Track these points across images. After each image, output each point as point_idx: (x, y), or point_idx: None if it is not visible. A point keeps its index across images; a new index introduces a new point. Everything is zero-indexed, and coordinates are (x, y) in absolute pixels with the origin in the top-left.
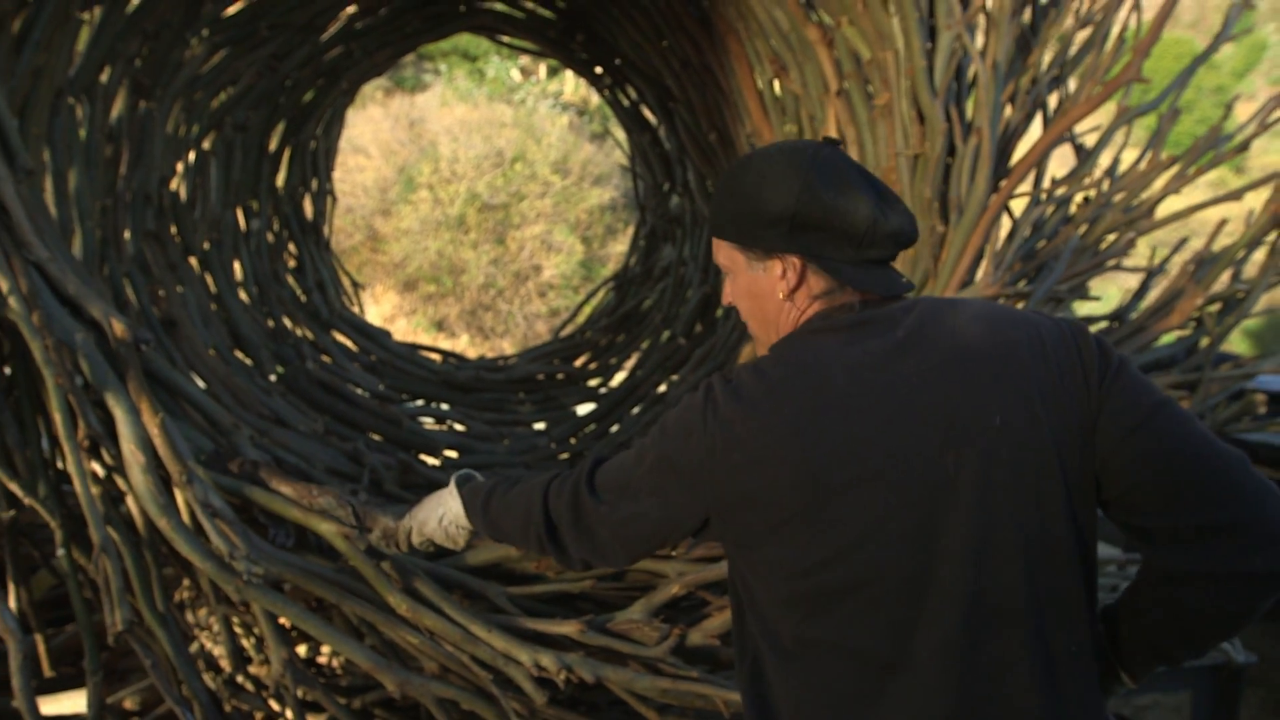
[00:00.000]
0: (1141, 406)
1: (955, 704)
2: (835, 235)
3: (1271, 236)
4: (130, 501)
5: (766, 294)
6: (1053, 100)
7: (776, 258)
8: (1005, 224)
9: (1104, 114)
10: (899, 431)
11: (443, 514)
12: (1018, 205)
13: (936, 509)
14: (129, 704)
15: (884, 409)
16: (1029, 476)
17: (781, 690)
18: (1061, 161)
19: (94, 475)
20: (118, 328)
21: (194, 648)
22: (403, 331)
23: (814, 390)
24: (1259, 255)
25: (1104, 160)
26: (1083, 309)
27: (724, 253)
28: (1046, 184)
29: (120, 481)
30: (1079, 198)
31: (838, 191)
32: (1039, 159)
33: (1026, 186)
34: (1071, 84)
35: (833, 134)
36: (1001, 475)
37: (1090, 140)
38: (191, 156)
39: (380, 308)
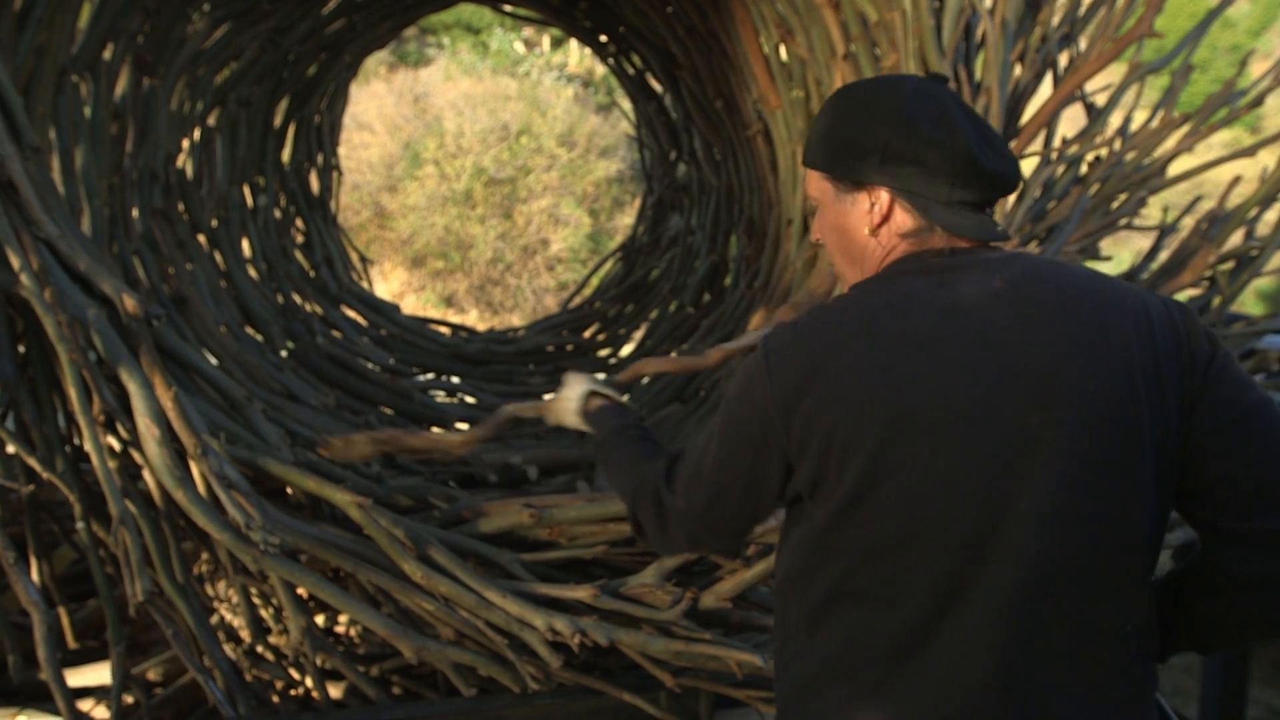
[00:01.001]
0: (1242, 401)
1: (1000, 669)
2: (928, 171)
3: None
4: (147, 475)
5: (852, 229)
6: (1063, 58)
7: (865, 190)
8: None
9: (1115, 73)
10: (986, 382)
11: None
12: (1028, 165)
13: (1013, 468)
14: (152, 675)
15: (973, 357)
16: (1115, 451)
17: (818, 642)
18: (1072, 121)
19: (110, 449)
20: (129, 303)
21: (214, 620)
22: (411, 307)
23: (898, 329)
24: (1272, 214)
25: (1115, 119)
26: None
27: (815, 183)
28: (1057, 144)
29: (136, 455)
30: (1090, 157)
31: (935, 125)
32: (1049, 118)
33: (1037, 146)
34: (1082, 42)
35: None
36: (1087, 445)
37: (1101, 99)
38: (197, 133)
39: (389, 284)
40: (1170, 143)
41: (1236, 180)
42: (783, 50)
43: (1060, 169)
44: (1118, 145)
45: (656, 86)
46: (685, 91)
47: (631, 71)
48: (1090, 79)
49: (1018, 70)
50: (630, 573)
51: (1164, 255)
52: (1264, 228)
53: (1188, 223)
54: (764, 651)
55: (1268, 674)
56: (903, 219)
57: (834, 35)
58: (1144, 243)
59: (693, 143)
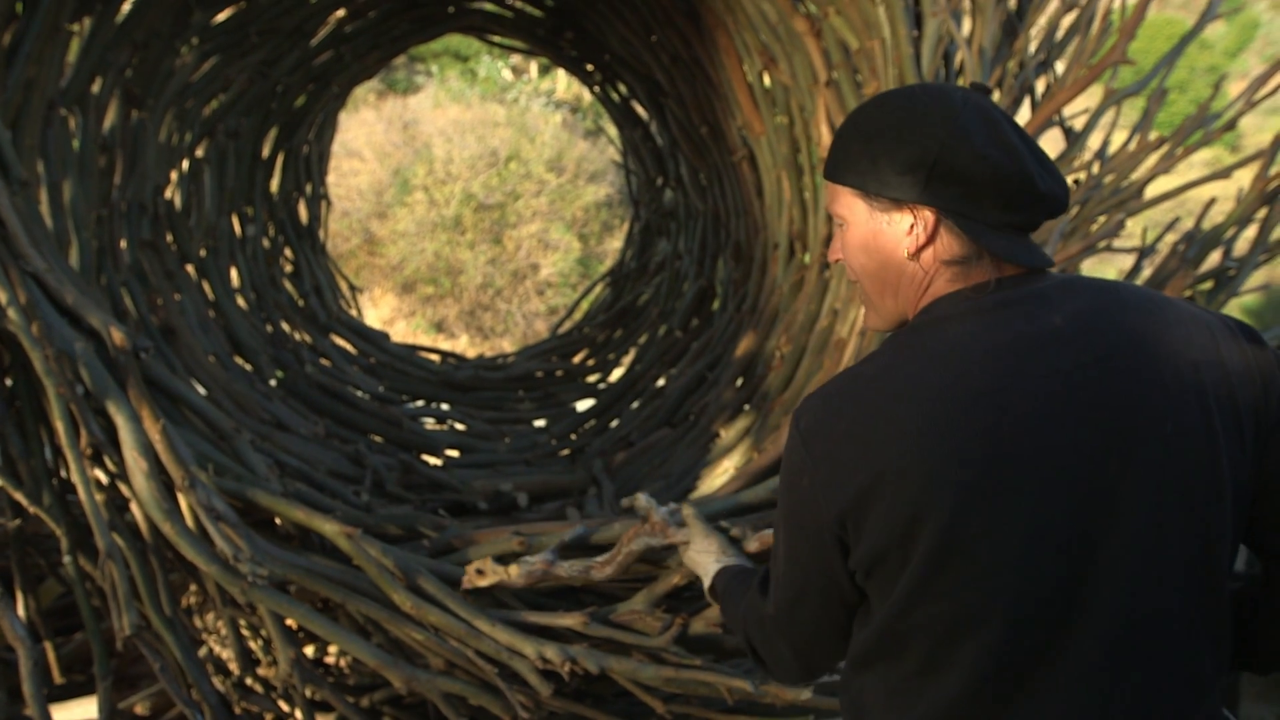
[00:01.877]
0: None
1: None
2: (980, 191)
3: (1262, 213)
4: (134, 507)
5: (887, 250)
6: (1040, 84)
7: (907, 209)
8: None
9: (1093, 97)
10: (1055, 433)
11: (703, 553)
12: None
13: (1093, 522)
14: (140, 709)
15: (1038, 406)
16: (1199, 490)
17: (900, 709)
18: (1050, 145)
19: (97, 482)
20: (117, 336)
21: (202, 652)
22: (402, 333)
23: (951, 383)
24: (1249, 232)
25: (1093, 142)
26: None
27: (842, 200)
28: None
29: (124, 488)
30: (1068, 180)
31: (989, 141)
32: (1034, 134)
33: None
34: (1059, 67)
35: (823, 126)
36: (1170, 488)
37: (1079, 123)
38: (185, 165)
39: (379, 311)
40: (1148, 165)
41: (1212, 202)
42: (766, 77)
43: None
44: (1096, 168)
45: (642, 113)
46: (671, 118)
47: (617, 99)
48: (1067, 104)
49: (996, 96)
50: (620, 599)
51: (1144, 275)
52: (1243, 245)
53: (1168, 241)
54: (754, 677)
55: (1259, 689)
56: (948, 243)
57: (816, 63)
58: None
59: (679, 168)
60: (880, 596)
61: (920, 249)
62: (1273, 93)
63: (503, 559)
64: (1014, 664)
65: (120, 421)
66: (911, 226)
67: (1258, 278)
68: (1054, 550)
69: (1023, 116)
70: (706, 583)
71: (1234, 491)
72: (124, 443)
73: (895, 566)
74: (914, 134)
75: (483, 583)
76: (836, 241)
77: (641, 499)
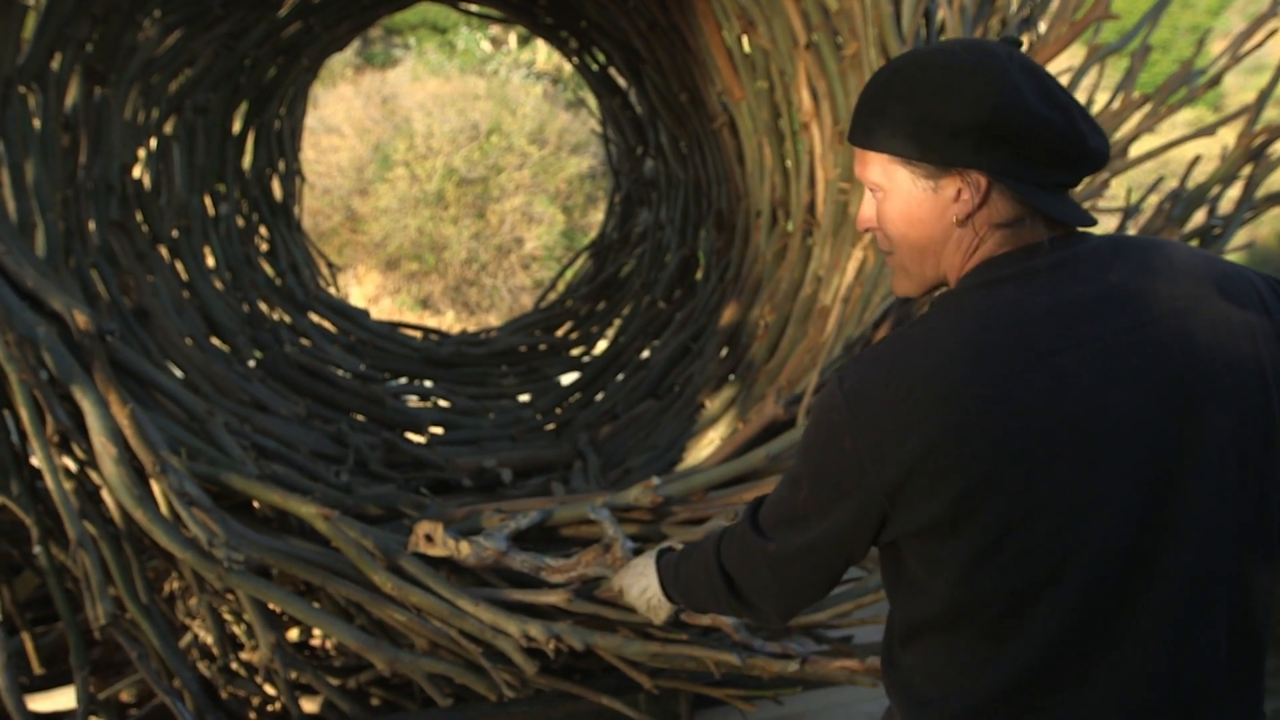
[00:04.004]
0: None
1: (1169, 693)
2: (1034, 151)
3: (1246, 170)
4: (106, 494)
5: (932, 218)
6: (1023, 43)
7: (955, 174)
8: None
9: (1076, 55)
10: (1116, 394)
11: (645, 587)
12: None
13: (1158, 483)
14: (125, 696)
15: (1098, 367)
16: (1255, 446)
17: (967, 688)
18: None
19: (66, 470)
20: (80, 319)
21: (187, 638)
22: (387, 311)
23: (1011, 344)
24: (1234, 191)
25: None
26: None
27: (878, 167)
28: None
29: (94, 475)
30: None
31: (1041, 97)
32: None
33: None
34: (1041, 25)
35: (804, 90)
36: (1230, 445)
37: (1062, 82)
38: (153, 142)
39: (364, 288)
40: (1131, 124)
41: (1196, 160)
42: (745, 42)
43: None
44: None
45: (621, 81)
46: (649, 86)
47: (595, 67)
48: (1050, 62)
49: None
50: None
51: (1130, 234)
52: (1227, 205)
53: (1152, 200)
54: (741, 650)
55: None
56: (1000, 206)
57: (795, 25)
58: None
59: (659, 137)
60: (927, 564)
61: (970, 214)
62: (1256, 48)
63: (468, 532)
64: (1083, 631)
65: (87, 407)
66: (959, 191)
67: (1242, 235)
68: (1120, 513)
69: None
70: (655, 588)
71: None
72: (91, 428)
73: (947, 534)
74: (963, 94)
75: (429, 551)
76: (867, 210)
77: (609, 529)
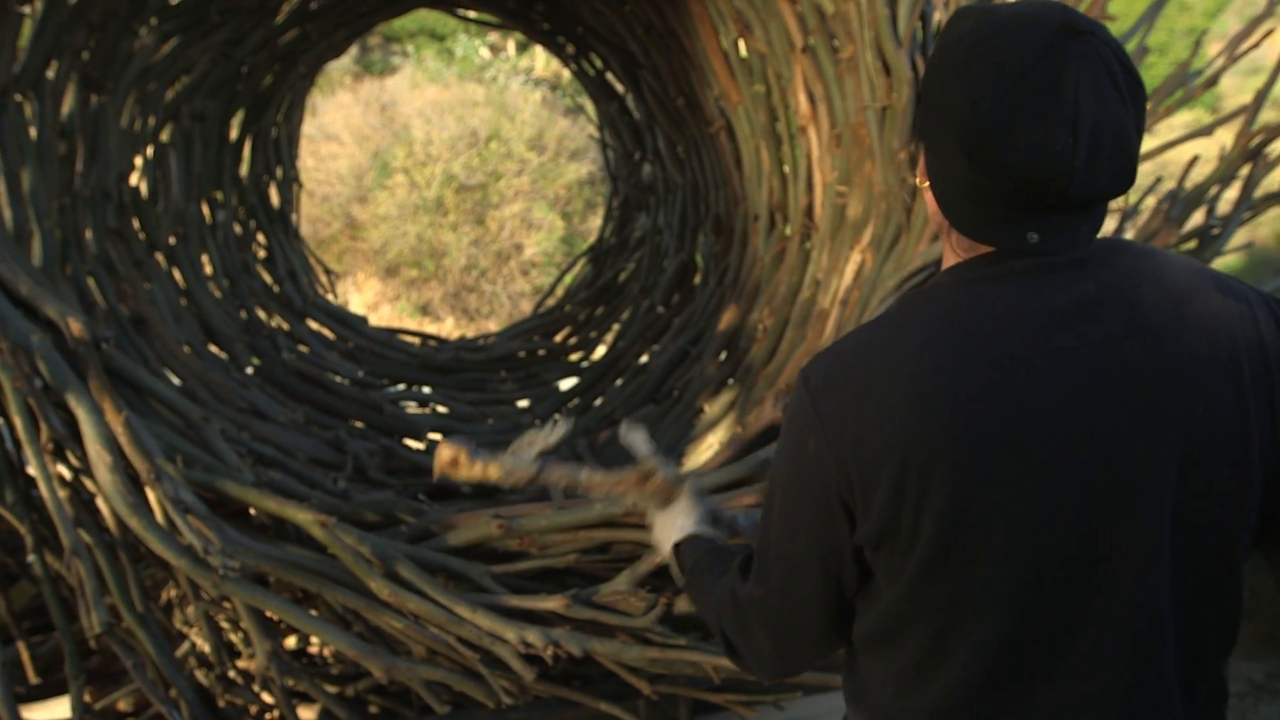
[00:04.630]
0: None
1: (1109, 715)
2: (947, 142)
3: (1245, 170)
4: (100, 502)
5: (924, 191)
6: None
7: (921, 151)
8: None
9: None
10: (1079, 409)
11: (666, 538)
12: None
13: (1112, 506)
14: (123, 705)
15: (1063, 378)
16: (1225, 473)
17: (911, 702)
18: None
19: (60, 478)
20: (75, 327)
21: (185, 646)
22: (387, 318)
23: (972, 347)
24: (1232, 192)
25: None
26: None
27: None
28: None
29: (88, 483)
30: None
31: (953, 76)
32: None
33: None
34: None
35: (800, 94)
36: (1199, 474)
37: None
38: (150, 150)
39: (363, 295)
40: None
41: (1194, 160)
42: (742, 45)
43: None
44: None
45: (618, 86)
46: (647, 90)
47: (592, 72)
48: None
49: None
50: (603, 580)
51: (1127, 236)
52: (1225, 205)
53: (1150, 201)
54: None
55: (1247, 647)
56: (930, 199)
57: (792, 29)
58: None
59: (656, 142)
60: (887, 575)
61: (924, 181)
62: (1252, 49)
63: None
64: (1023, 652)
65: (81, 414)
66: (922, 160)
67: (1241, 235)
68: (1069, 534)
69: None
70: (671, 541)
71: (1264, 477)
72: (86, 436)
73: (905, 542)
74: (945, 61)
75: (456, 475)
76: None
77: (650, 458)
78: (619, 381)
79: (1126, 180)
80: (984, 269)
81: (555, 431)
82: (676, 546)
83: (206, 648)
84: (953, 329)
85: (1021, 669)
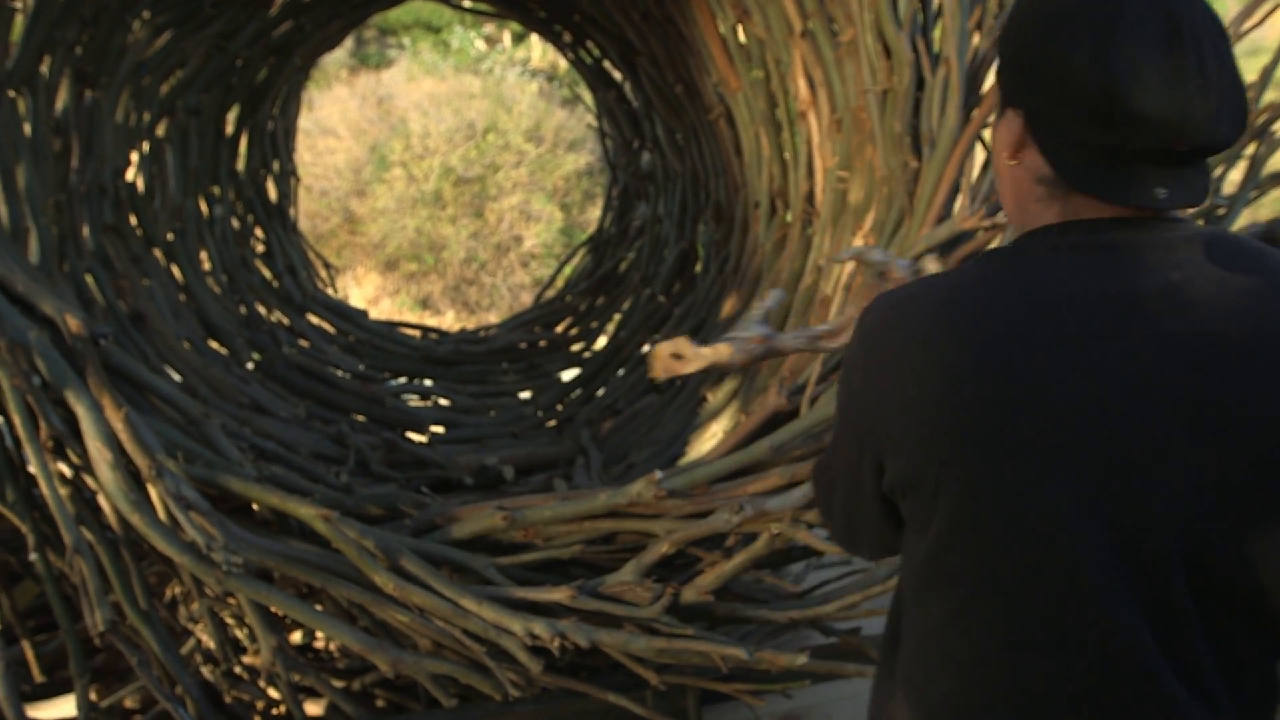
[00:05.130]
0: None
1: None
2: (1053, 97)
3: (1250, 150)
4: (102, 499)
5: (998, 149)
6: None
7: (1009, 109)
8: (980, 155)
9: None
10: (1126, 404)
11: None
12: (989, 136)
13: (1156, 511)
14: (129, 702)
15: (1118, 368)
16: (1262, 512)
17: (942, 664)
18: None
19: (61, 476)
20: (72, 323)
21: (191, 642)
22: (387, 311)
23: (1034, 324)
24: (1236, 173)
25: None
26: None
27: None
28: None
29: (89, 480)
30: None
31: (1088, 39)
32: None
33: None
34: None
35: (800, 79)
36: (1234, 496)
37: None
38: (145, 145)
39: (363, 290)
40: None
41: None
42: (740, 31)
43: None
44: None
45: (615, 74)
46: (644, 78)
47: (589, 61)
48: None
49: (976, 39)
50: (609, 570)
51: None
52: (1228, 187)
53: None
54: (748, 644)
55: None
56: (1034, 158)
57: (790, 13)
58: None
59: (655, 130)
60: (915, 528)
61: (1013, 154)
62: (1254, 28)
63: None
64: (1046, 639)
65: (81, 411)
66: (1009, 129)
67: (1245, 216)
68: (1090, 526)
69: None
70: None
71: None
72: (86, 433)
73: (928, 496)
74: (1020, 24)
75: (682, 369)
76: None
77: (876, 254)
78: (621, 371)
79: (1242, 125)
80: (1055, 238)
81: (772, 299)
82: None
83: (212, 644)
84: (1014, 295)
85: (1042, 658)
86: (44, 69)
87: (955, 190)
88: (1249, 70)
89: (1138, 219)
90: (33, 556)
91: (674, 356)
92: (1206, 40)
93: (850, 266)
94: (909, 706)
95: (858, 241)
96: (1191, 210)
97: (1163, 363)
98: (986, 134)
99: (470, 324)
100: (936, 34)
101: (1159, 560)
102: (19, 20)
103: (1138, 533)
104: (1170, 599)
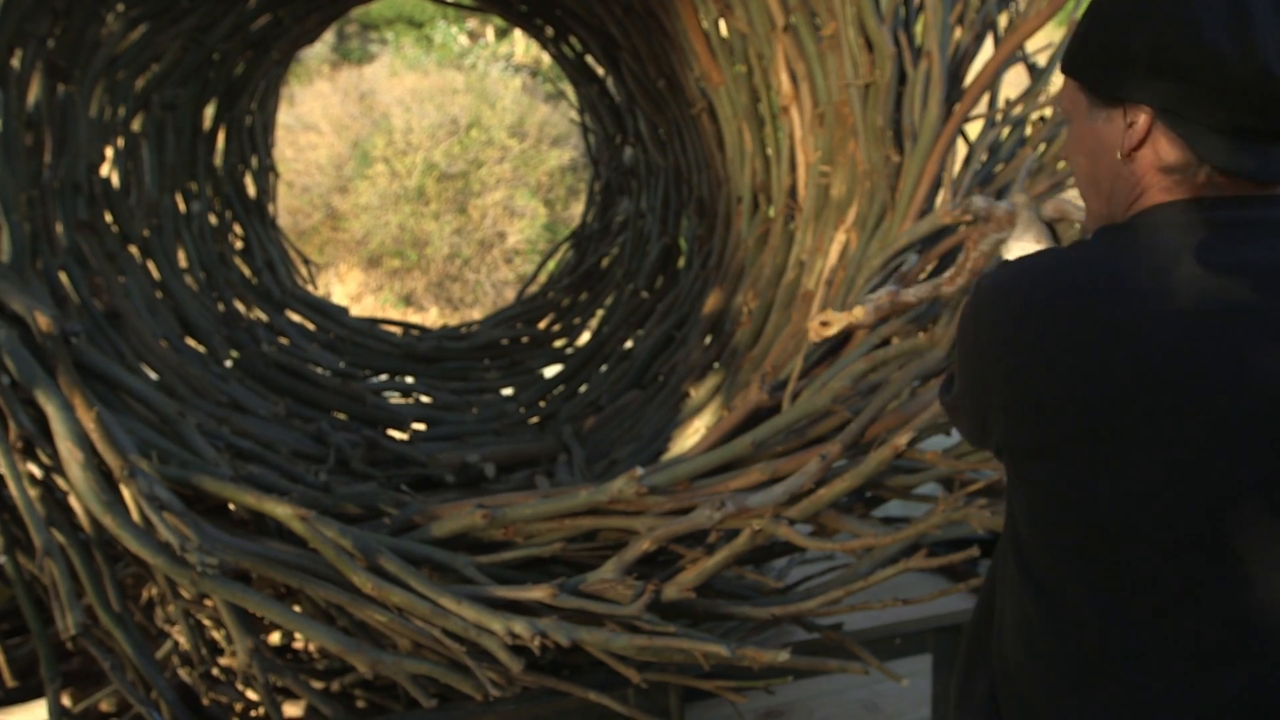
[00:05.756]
0: None
1: (1220, 677)
2: (1202, 88)
3: None
4: (73, 500)
5: (1103, 150)
6: (1003, 20)
7: (1121, 107)
8: (961, 149)
9: (1056, 33)
10: (1241, 379)
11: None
12: (973, 129)
13: (1231, 495)
14: (105, 706)
15: (1248, 343)
16: None
17: (1032, 619)
18: (1015, 82)
19: (31, 476)
20: (42, 321)
21: (169, 644)
22: (370, 308)
23: (1156, 292)
24: None
25: (1058, 78)
26: None
27: (1068, 93)
28: (1001, 105)
29: (60, 481)
30: (1034, 117)
31: (1222, 28)
32: (991, 80)
33: (981, 109)
34: (1021, 1)
35: (782, 74)
36: None
37: (1043, 59)
38: (121, 140)
39: (346, 286)
40: None
41: None
42: (722, 25)
43: (1005, 131)
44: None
45: (597, 69)
46: (627, 72)
47: (571, 55)
48: (1030, 38)
49: (958, 33)
50: (590, 568)
51: None
52: None
53: None
54: (730, 641)
55: None
56: (1165, 149)
57: (773, 7)
58: None
59: (637, 124)
60: (1013, 485)
61: (1133, 150)
62: None
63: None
64: (1139, 597)
65: (51, 411)
66: (1128, 126)
67: None
68: (1190, 501)
69: (985, 52)
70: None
71: None
72: (56, 433)
73: (1025, 462)
74: (1138, 22)
75: (829, 332)
76: (1066, 141)
77: (978, 201)
78: (604, 367)
79: None
80: (1171, 216)
81: (910, 235)
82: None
83: (189, 646)
84: (1136, 274)
85: (1132, 615)
86: (15, 62)
87: (937, 184)
88: None
89: (1263, 196)
90: (2, 559)
91: (821, 324)
92: None
93: (834, 259)
94: (1005, 655)
95: (840, 237)
96: None
97: (1272, 352)
98: (968, 128)
99: (454, 320)
100: (918, 28)
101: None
102: None
103: (1260, 490)
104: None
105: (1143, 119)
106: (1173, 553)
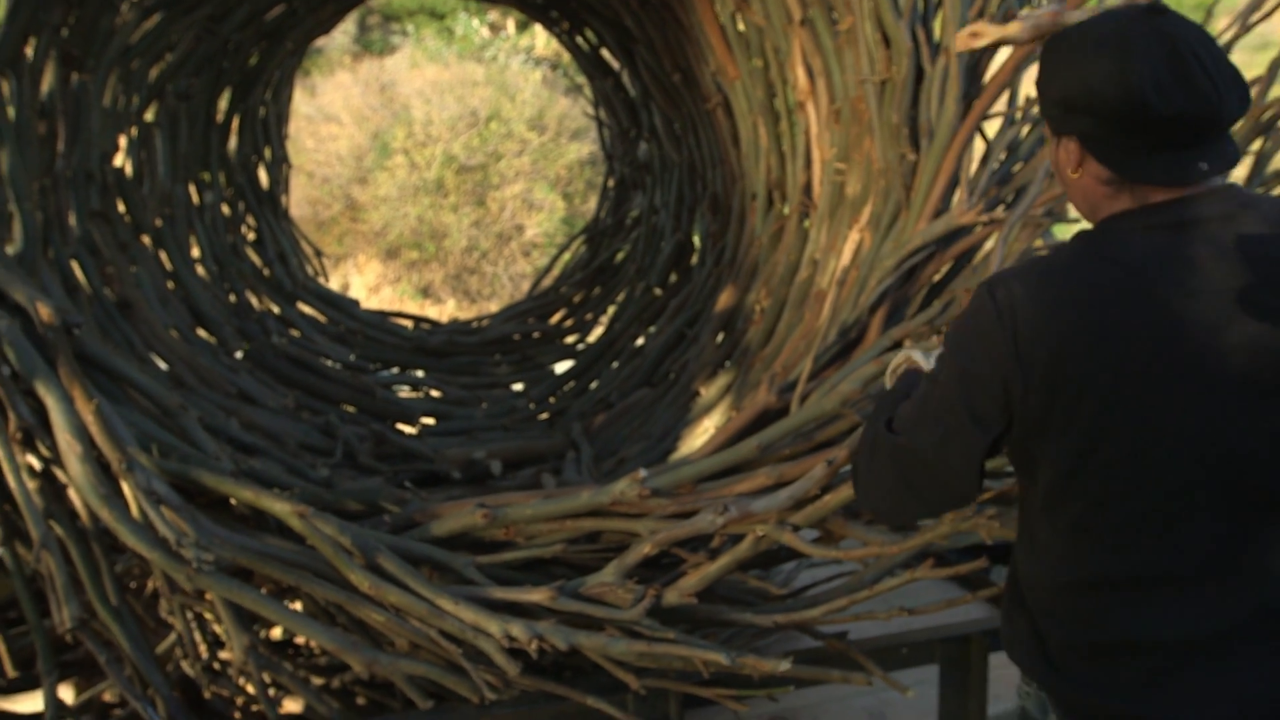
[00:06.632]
0: None
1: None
2: (1104, 122)
3: (1256, 145)
4: (72, 493)
5: (1060, 171)
6: (1022, 14)
7: (1059, 137)
8: (979, 147)
9: None
10: (1218, 350)
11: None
12: (991, 127)
13: (1237, 441)
14: (109, 696)
15: (1205, 320)
16: None
17: (1068, 562)
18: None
19: (30, 468)
20: (44, 312)
21: (171, 636)
22: (388, 300)
23: (1132, 288)
24: (1242, 169)
25: None
26: (1065, 231)
27: (1047, 124)
28: (1020, 103)
29: (59, 473)
30: None
31: (1110, 77)
32: (1010, 78)
33: (1000, 107)
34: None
35: (799, 68)
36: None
37: None
38: (134, 130)
39: (364, 277)
40: None
41: None
42: (739, 19)
43: (1024, 129)
44: None
45: (613, 62)
46: (642, 66)
47: (586, 48)
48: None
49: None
50: (592, 570)
51: None
52: (1233, 177)
53: None
54: (731, 648)
55: None
56: (1095, 169)
57: (789, 1)
58: None
59: (652, 119)
60: (1024, 471)
61: (1076, 170)
62: (1262, 20)
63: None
64: (1135, 572)
65: (50, 402)
66: (1066, 152)
67: None
68: (1193, 461)
69: (1004, 49)
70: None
71: None
72: (56, 425)
73: (1056, 431)
74: (1053, 76)
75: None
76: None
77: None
78: (615, 364)
79: (1248, 99)
80: (1132, 222)
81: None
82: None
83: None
84: (1110, 268)
85: (1132, 587)
86: (29, 51)
87: (954, 183)
88: (1258, 65)
89: (1194, 195)
90: (1, 551)
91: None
92: (1200, 47)
93: (847, 258)
94: (1033, 595)
95: (854, 235)
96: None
97: (1234, 312)
98: (986, 126)
99: (471, 313)
100: (937, 23)
101: (1236, 470)
102: (2, 1)
103: (1220, 448)
104: (1245, 503)
105: (1074, 146)
106: (1171, 503)
